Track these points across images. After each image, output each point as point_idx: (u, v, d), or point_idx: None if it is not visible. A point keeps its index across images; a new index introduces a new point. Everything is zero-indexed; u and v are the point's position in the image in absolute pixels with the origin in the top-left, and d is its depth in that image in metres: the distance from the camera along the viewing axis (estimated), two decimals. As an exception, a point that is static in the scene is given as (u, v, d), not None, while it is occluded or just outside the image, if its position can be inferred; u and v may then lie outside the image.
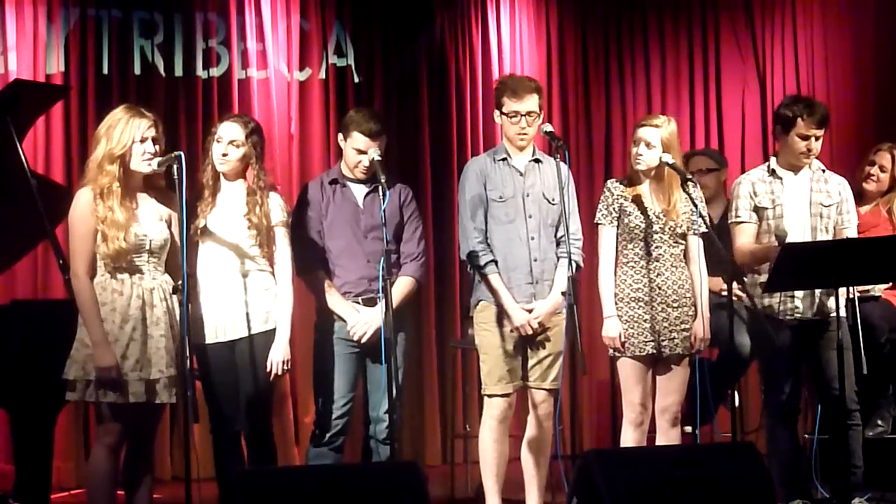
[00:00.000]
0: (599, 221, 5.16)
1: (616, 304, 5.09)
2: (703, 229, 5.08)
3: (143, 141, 4.53)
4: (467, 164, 5.24)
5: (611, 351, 5.13)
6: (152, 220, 4.59)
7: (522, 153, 5.11)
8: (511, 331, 5.01)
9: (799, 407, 5.37)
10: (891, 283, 5.99)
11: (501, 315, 5.02)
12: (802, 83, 7.84)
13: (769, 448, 5.36)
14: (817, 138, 5.23)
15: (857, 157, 6.54)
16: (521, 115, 5.03)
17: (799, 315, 5.20)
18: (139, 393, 4.46)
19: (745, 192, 5.28)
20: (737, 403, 5.93)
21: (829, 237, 5.27)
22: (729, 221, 5.37)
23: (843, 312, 5.20)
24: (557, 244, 5.09)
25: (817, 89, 7.70)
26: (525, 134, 5.06)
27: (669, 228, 5.10)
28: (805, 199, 5.27)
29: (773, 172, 5.29)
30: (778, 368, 5.26)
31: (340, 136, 5.10)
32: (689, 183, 5.02)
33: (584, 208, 5.37)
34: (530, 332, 5.00)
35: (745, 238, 5.28)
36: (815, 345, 5.23)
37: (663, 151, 5.04)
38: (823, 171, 5.35)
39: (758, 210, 5.26)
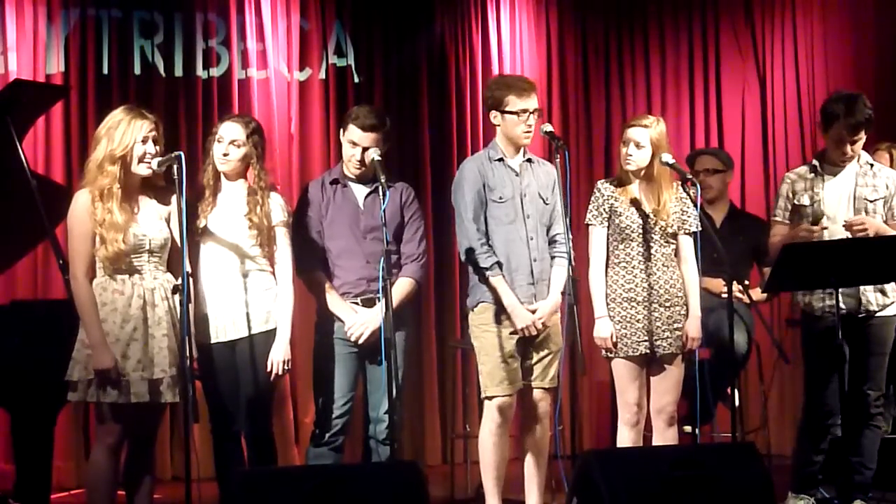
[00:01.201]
0: (590, 222, 5.16)
1: (608, 304, 5.09)
2: (694, 229, 5.08)
3: (143, 141, 4.53)
4: (463, 164, 5.21)
5: (603, 352, 5.13)
6: (152, 220, 4.59)
7: (517, 153, 5.11)
8: (511, 332, 5.01)
9: (833, 412, 5.24)
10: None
11: (501, 316, 5.01)
12: (802, 83, 7.83)
13: (797, 443, 5.45)
14: (854, 141, 5.20)
15: (857, 157, 6.53)
16: (530, 113, 5.03)
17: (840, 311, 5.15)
18: (142, 393, 4.45)
19: (783, 192, 5.36)
20: (737, 403, 5.92)
21: None
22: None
23: (894, 310, 5.26)
24: (550, 243, 5.09)
25: (817, 89, 7.69)
26: (531, 131, 5.06)
27: (660, 228, 5.09)
28: (848, 195, 5.27)
29: (814, 169, 5.31)
30: (817, 365, 5.27)
31: (341, 131, 5.10)
32: (689, 183, 5.02)
33: (585, 208, 5.36)
34: (535, 332, 4.99)
35: (773, 235, 5.36)
36: (850, 341, 5.15)
37: (653, 151, 5.05)
38: (872, 165, 5.33)
39: (798, 208, 5.30)
